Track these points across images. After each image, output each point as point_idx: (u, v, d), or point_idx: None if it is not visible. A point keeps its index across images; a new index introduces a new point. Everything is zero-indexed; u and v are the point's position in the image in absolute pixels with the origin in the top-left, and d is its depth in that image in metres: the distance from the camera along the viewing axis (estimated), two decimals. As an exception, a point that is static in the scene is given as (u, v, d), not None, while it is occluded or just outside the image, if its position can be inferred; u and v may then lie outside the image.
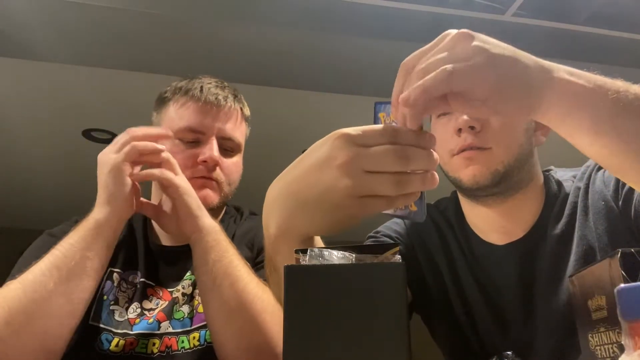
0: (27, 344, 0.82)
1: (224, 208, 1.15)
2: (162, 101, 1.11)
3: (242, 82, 2.43)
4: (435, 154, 0.54)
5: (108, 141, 3.35)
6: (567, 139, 0.60)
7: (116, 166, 0.89)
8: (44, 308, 0.83)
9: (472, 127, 0.89)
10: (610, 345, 0.47)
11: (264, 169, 3.01)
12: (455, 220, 1.02)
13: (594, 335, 0.50)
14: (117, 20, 2.02)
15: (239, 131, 1.10)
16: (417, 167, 0.53)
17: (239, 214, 1.19)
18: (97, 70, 2.33)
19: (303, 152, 0.58)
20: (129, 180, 0.90)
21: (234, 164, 1.09)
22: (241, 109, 1.12)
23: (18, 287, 0.83)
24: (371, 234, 1.06)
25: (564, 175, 0.99)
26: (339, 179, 0.52)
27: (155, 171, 0.93)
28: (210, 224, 0.93)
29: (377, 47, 2.20)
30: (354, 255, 0.44)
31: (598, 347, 0.49)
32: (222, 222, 1.11)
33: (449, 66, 0.53)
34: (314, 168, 0.55)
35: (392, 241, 1.01)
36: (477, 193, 0.92)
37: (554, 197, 0.95)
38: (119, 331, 0.96)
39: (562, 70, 0.58)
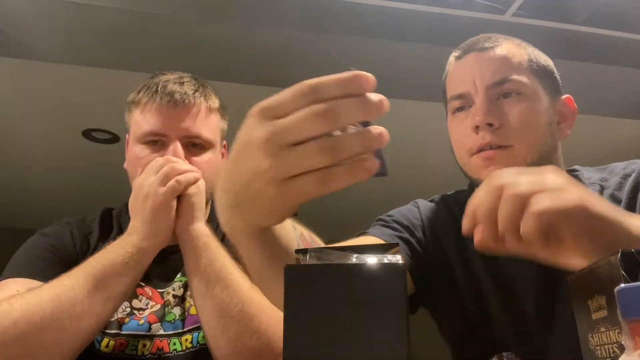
0: (50, 355, 0.82)
1: (209, 208, 1.12)
2: (129, 104, 1.08)
3: (242, 82, 2.44)
4: (374, 98, 0.43)
5: (108, 141, 3.31)
6: None
7: (165, 203, 0.92)
8: (76, 326, 0.83)
9: (490, 124, 0.84)
10: (610, 345, 0.47)
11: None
12: None
13: (594, 335, 0.50)
14: (117, 20, 2.02)
15: (206, 127, 1.04)
16: (348, 120, 0.43)
17: None
18: (97, 70, 2.33)
19: None
20: (174, 215, 0.93)
21: (205, 162, 1.03)
22: (205, 102, 1.05)
23: (52, 298, 0.83)
24: (382, 216, 1.01)
25: (591, 177, 0.94)
26: (260, 163, 0.44)
27: (190, 176, 0.96)
28: (201, 228, 0.94)
29: (376, 47, 2.20)
30: (354, 255, 0.44)
31: (598, 347, 0.49)
32: (211, 221, 1.10)
33: (541, 206, 0.53)
34: (237, 157, 0.47)
35: (402, 227, 0.97)
36: None
37: None
38: (108, 331, 0.96)
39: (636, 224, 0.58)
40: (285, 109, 0.44)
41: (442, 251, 0.97)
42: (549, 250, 0.57)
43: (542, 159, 0.86)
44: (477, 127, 0.85)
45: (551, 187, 0.55)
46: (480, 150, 0.85)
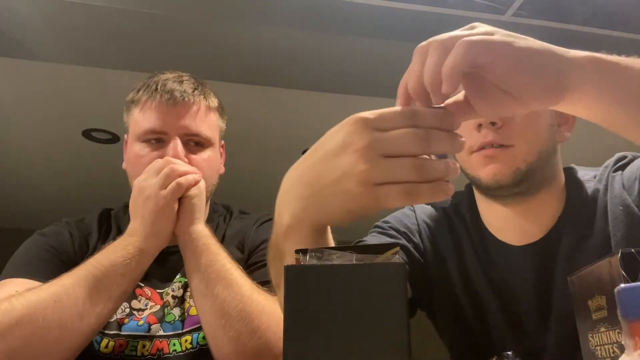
0: (51, 354, 0.83)
1: (208, 207, 1.13)
2: (128, 104, 1.08)
3: (242, 82, 2.44)
4: (459, 136, 0.51)
5: (108, 141, 3.31)
6: (599, 122, 0.59)
7: (167, 206, 0.92)
8: (77, 325, 0.84)
9: (493, 123, 0.84)
10: (610, 345, 0.47)
11: (264, 168, 3.01)
12: (469, 216, 0.98)
13: (594, 335, 0.50)
14: (117, 20, 2.02)
15: (205, 125, 1.05)
16: (439, 149, 0.51)
17: (229, 213, 1.17)
18: (97, 70, 2.32)
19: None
20: (175, 217, 0.93)
21: (204, 160, 1.04)
22: (204, 101, 1.06)
23: (53, 298, 0.83)
24: (379, 223, 1.01)
25: (585, 175, 0.95)
26: (355, 164, 0.50)
27: (190, 178, 0.96)
28: (200, 229, 0.94)
29: (377, 47, 2.20)
30: (354, 255, 0.44)
31: (598, 347, 0.49)
32: (210, 221, 1.09)
33: (468, 38, 0.52)
34: (329, 155, 0.52)
35: (399, 234, 0.97)
36: (497, 192, 0.88)
37: (575, 198, 0.91)
38: (108, 332, 0.96)
39: (585, 52, 0.58)
40: (386, 124, 0.50)
41: (439, 255, 0.97)
42: (483, 101, 0.56)
43: (542, 159, 0.86)
44: (480, 125, 0.85)
45: (478, 32, 0.55)
46: (482, 148, 0.85)
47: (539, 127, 0.87)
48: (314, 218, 0.56)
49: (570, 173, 0.95)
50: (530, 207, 0.90)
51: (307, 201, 0.55)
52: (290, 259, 0.57)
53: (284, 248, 0.59)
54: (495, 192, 0.88)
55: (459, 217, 0.99)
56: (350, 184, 0.50)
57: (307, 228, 0.56)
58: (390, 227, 0.99)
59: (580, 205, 0.90)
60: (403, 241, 0.96)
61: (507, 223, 0.93)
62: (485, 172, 0.86)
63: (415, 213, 1.02)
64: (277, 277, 0.63)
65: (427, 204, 1.04)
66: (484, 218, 0.96)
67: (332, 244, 0.61)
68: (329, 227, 0.60)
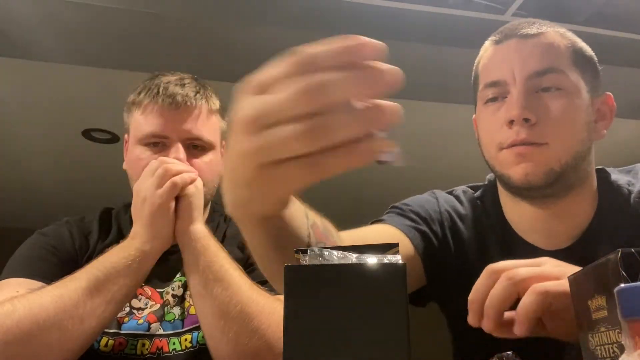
0: (52, 356, 0.83)
1: (208, 208, 1.12)
2: (129, 105, 1.08)
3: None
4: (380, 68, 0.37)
5: (108, 141, 3.30)
6: None
7: (163, 205, 0.92)
8: (78, 327, 0.84)
9: (526, 120, 0.79)
10: (610, 345, 0.47)
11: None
12: (493, 212, 0.92)
13: (594, 335, 0.50)
14: (117, 20, 2.02)
15: (206, 128, 1.05)
16: (341, 96, 0.37)
17: None
18: (97, 70, 2.32)
19: None
20: (173, 216, 0.93)
21: (205, 164, 1.03)
22: (206, 104, 1.06)
23: (54, 300, 0.83)
24: (397, 204, 0.95)
25: (618, 179, 0.89)
26: (244, 144, 0.40)
27: (186, 177, 0.95)
28: (199, 229, 0.94)
29: (377, 47, 2.20)
30: (354, 255, 0.44)
31: (598, 347, 0.49)
32: (211, 220, 1.09)
33: (545, 287, 0.57)
34: (229, 141, 0.44)
35: (419, 218, 0.92)
36: (527, 193, 0.83)
37: (608, 204, 0.86)
38: (107, 330, 0.96)
39: None
40: (275, 83, 0.40)
41: (459, 247, 0.92)
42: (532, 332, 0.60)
43: (577, 159, 0.82)
44: (511, 121, 0.80)
45: (549, 276, 0.59)
46: (513, 145, 0.81)
47: (576, 125, 0.82)
48: (241, 210, 0.49)
49: (602, 176, 0.90)
50: (559, 208, 0.85)
51: (229, 194, 0.47)
52: (249, 246, 0.56)
53: (244, 235, 0.56)
54: (525, 192, 0.84)
55: (484, 212, 0.94)
56: (247, 171, 0.42)
57: (244, 218, 0.51)
58: (411, 210, 0.93)
59: (615, 214, 0.86)
60: (424, 227, 0.91)
61: (534, 224, 0.88)
62: (516, 171, 0.80)
63: (438, 201, 0.96)
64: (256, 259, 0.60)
65: (446, 192, 1.00)
66: (508, 216, 0.92)
67: (295, 226, 0.55)
68: (286, 211, 0.53)
